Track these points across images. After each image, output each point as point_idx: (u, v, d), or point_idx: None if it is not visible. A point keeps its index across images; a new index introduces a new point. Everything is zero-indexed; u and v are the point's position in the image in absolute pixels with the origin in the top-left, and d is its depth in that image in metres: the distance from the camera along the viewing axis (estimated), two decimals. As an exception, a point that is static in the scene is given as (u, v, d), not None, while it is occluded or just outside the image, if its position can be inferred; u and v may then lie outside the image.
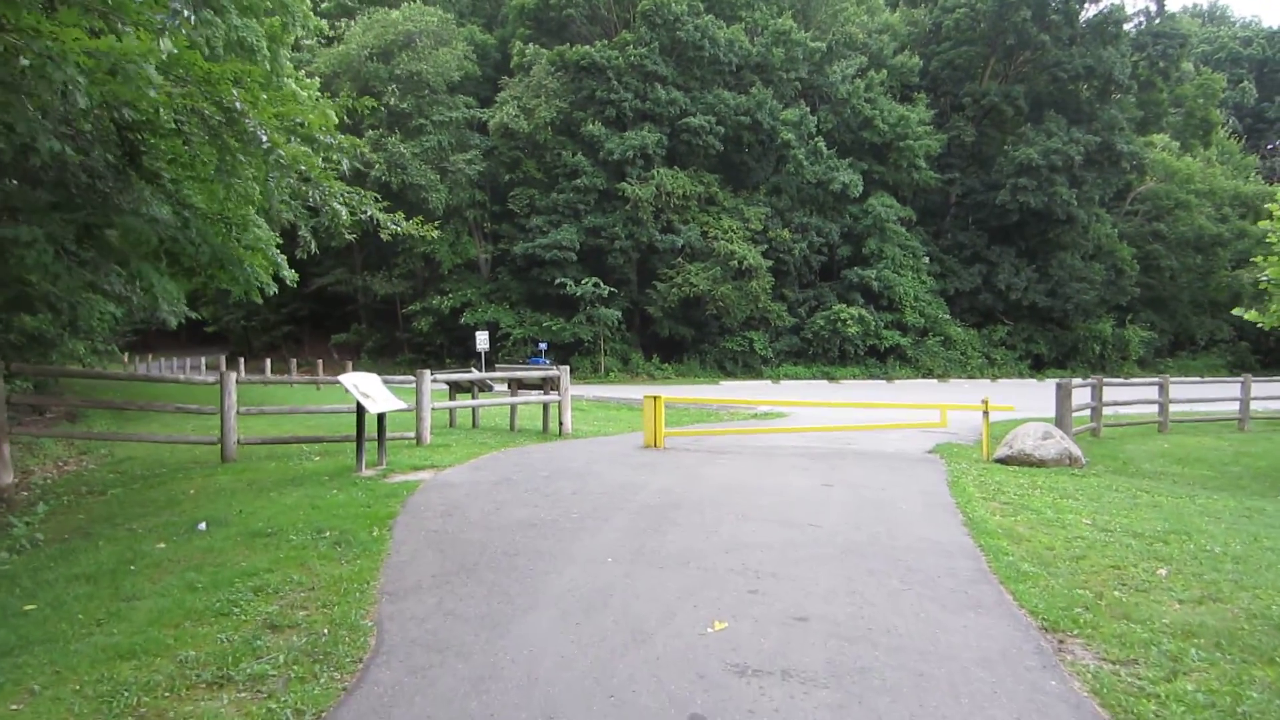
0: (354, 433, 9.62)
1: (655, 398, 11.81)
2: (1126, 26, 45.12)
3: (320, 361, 32.73)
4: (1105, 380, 15.74)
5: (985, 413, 11.01)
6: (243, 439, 10.95)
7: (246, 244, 10.39)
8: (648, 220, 38.53)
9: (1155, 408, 17.39)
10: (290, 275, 16.37)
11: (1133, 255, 47.69)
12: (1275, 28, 75.49)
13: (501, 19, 48.80)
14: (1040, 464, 10.78)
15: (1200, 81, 51.08)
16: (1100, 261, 47.25)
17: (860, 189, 41.13)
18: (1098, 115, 44.26)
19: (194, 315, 52.52)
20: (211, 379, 10.89)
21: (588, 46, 39.26)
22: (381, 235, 10.28)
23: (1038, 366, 46.93)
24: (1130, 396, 16.95)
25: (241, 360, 35.89)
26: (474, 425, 15.44)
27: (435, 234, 11.70)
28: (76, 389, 19.56)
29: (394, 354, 45.51)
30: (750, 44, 40.46)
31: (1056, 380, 14.91)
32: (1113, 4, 45.17)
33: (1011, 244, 46.74)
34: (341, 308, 48.86)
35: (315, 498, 8.02)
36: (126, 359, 48.88)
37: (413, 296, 42.40)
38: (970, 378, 43.18)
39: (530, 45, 40.96)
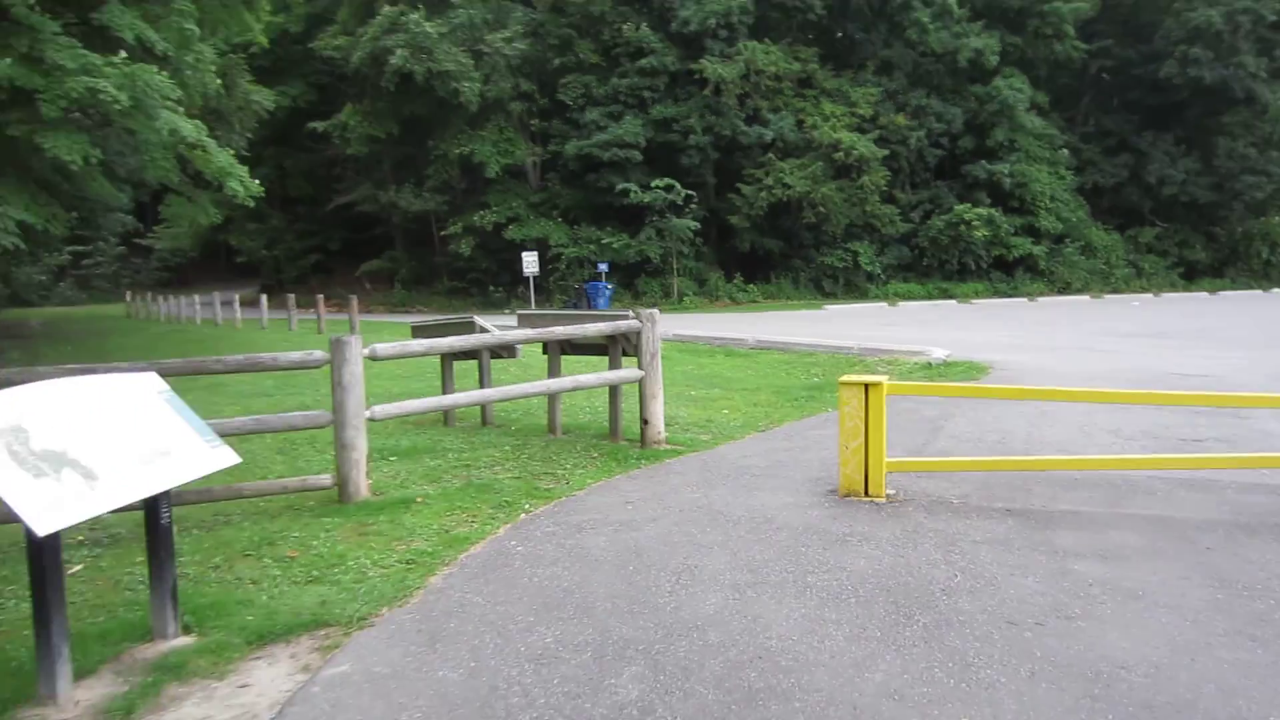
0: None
1: (865, 386, 5.17)
2: None
3: (349, 298, 26.42)
4: None
5: None
6: None
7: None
8: (731, 108, 31.02)
9: None
10: (245, 189, 14.81)
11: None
12: None
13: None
14: None
15: None
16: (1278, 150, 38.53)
17: (996, 60, 32.93)
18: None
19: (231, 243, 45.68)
20: None
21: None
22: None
23: (1189, 276, 38.82)
24: None
25: (264, 296, 29.77)
26: (483, 423, 8.91)
27: (270, 98, 6.44)
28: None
29: (431, 281, 38.77)
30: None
31: None
32: None
33: (1168, 129, 38.16)
34: (371, 230, 42.18)
35: None
36: (129, 297, 42.64)
37: (449, 213, 35.43)
38: (1115, 291, 35.53)
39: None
